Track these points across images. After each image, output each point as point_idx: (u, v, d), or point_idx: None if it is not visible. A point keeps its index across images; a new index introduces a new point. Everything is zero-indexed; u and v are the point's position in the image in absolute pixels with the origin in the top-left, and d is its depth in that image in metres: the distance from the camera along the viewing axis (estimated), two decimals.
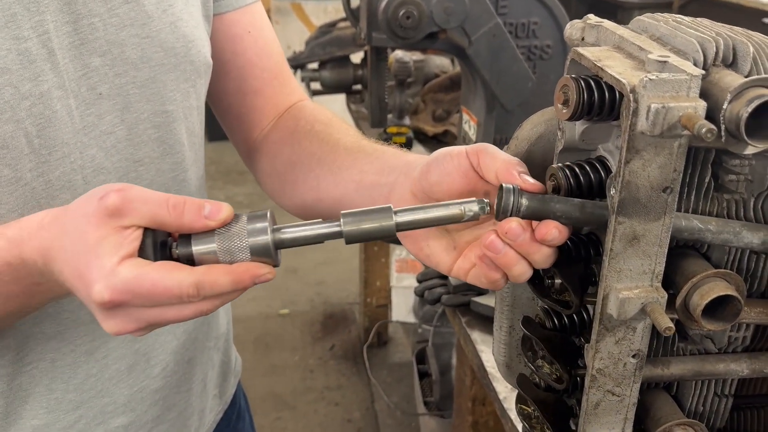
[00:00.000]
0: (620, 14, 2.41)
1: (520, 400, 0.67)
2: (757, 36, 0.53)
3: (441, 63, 2.44)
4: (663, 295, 0.52)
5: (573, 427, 0.61)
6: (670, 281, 0.55)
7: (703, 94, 0.47)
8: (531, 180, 0.56)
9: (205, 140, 0.92)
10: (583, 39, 0.59)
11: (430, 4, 1.36)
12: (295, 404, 2.85)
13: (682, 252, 0.56)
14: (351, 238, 0.58)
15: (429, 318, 2.29)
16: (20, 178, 0.67)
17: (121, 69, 0.72)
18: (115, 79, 0.72)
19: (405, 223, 0.57)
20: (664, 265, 0.52)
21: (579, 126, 0.58)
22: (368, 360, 2.83)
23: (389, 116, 2.16)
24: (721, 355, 0.60)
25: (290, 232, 0.58)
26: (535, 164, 0.65)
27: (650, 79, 0.45)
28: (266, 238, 0.57)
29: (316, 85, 2.43)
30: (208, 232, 0.57)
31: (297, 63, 2.36)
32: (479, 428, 1.50)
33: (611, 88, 0.50)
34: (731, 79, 0.47)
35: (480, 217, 0.58)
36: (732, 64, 0.50)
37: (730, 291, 0.51)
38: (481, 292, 1.37)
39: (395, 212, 0.57)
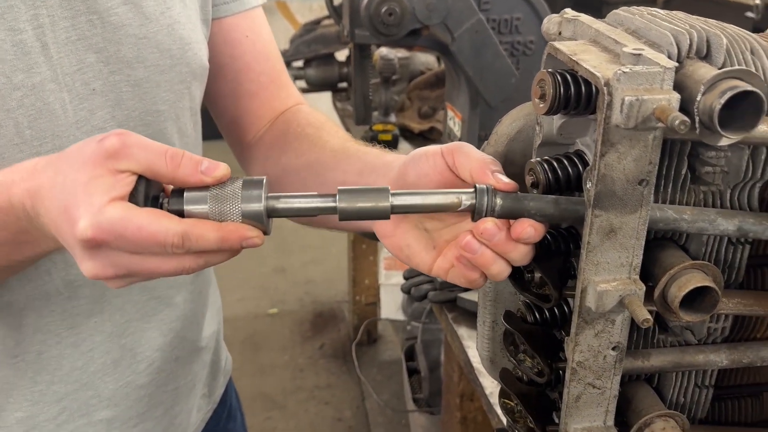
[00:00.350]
0: (605, 10, 2.42)
1: (503, 394, 0.67)
2: (731, 28, 0.54)
3: (426, 60, 2.44)
4: (641, 288, 0.52)
5: (556, 421, 0.61)
6: (649, 273, 0.55)
7: (678, 87, 0.47)
8: (505, 179, 0.56)
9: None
10: (560, 33, 0.60)
11: (412, 0, 1.36)
12: (285, 404, 2.85)
13: (660, 243, 0.56)
14: (345, 215, 0.57)
15: (418, 315, 2.29)
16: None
17: (116, 67, 0.74)
18: (109, 76, 0.73)
19: (401, 206, 0.57)
20: (641, 258, 0.52)
21: (557, 120, 0.58)
22: (358, 358, 2.83)
23: (375, 114, 2.16)
24: (701, 347, 0.60)
25: (284, 202, 0.57)
26: (516, 159, 0.65)
27: (624, 72, 0.45)
28: (259, 206, 0.56)
29: (301, 83, 2.43)
30: (202, 190, 0.56)
31: None
32: (468, 424, 1.50)
33: (587, 82, 0.50)
34: (705, 71, 0.47)
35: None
36: (706, 56, 0.51)
37: (708, 282, 0.52)
38: (467, 287, 1.37)
39: (392, 194, 0.56)
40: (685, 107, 0.47)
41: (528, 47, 1.51)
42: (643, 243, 0.52)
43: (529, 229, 0.54)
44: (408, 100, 2.30)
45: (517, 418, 0.65)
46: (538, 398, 0.63)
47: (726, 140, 0.46)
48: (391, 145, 2.12)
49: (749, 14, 2.22)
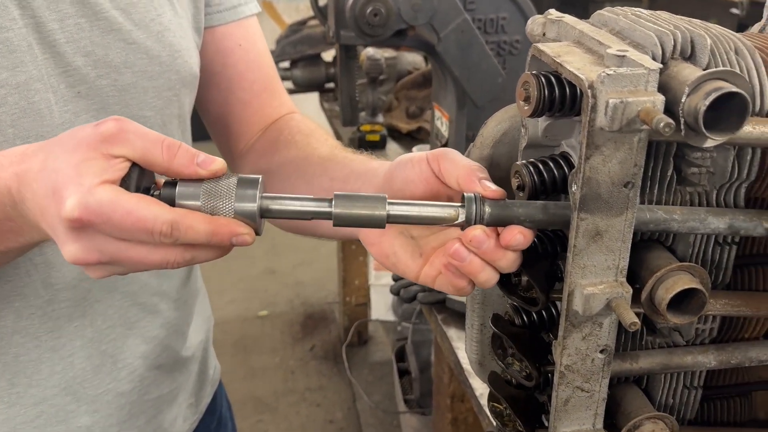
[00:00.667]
0: (592, 8, 2.42)
1: (492, 398, 0.66)
2: (715, 28, 0.53)
3: (413, 60, 2.44)
4: (628, 290, 0.52)
5: (545, 424, 0.61)
6: (636, 275, 0.55)
7: (662, 88, 0.47)
8: (493, 187, 0.56)
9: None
10: (544, 34, 0.59)
11: (397, 1, 1.35)
12: (276, 406, 2.84)
13: (647, 245, 0.56)
14: (339, 221, 0.55)
15: (408, 315, 2.29)
16: None
17: (103, 71, 0.74)
18: (96, 80, 0.73)
19: (397, 216, 0.56)
20: (628, 260, 0.52)
21: (542, 122, 0.57)
22: (349, 359, 2.83)
23: (362, 114, 2.15)
24: (689, 348, 0.60)
25: (279, 203, 0.55)
26: (501, 162, 0.65)
27: (608, 74, 0.45)
28: (253, 206, 0.54)
29: (288, 84, 2.42)
30: (195, 183, 0.54)
31: None
32: (459, 425, 1.50)
33: (572, 84, 0.50)
34: (689, 72, 0.47)
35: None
36: (690, 56, 0.50)
37: (695, 284, 0.51)
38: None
39: (389, 203, 0.56)
40: (669, 109, 0.47)
41: (514, 47, 1.50)
42: (630, 245, 0.51)
43: (519, 236, 0.54)
44: (395, 100, 2.30)
45: (506, 422, 0.65)
46: (526, 401, 0.62)
47: (711, 142, 0.46)
48: (379, 145, 2.11)
49: (734, 11, 2.23)
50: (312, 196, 0.56)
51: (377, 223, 0.56)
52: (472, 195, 0.55)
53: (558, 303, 0.59)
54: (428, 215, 0.56)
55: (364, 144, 2.10)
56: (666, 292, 0.51)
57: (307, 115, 0.97)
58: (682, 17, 0.55)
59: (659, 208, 0.53)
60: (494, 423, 0.67)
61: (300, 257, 3.75)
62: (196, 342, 0.97)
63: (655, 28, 0.50)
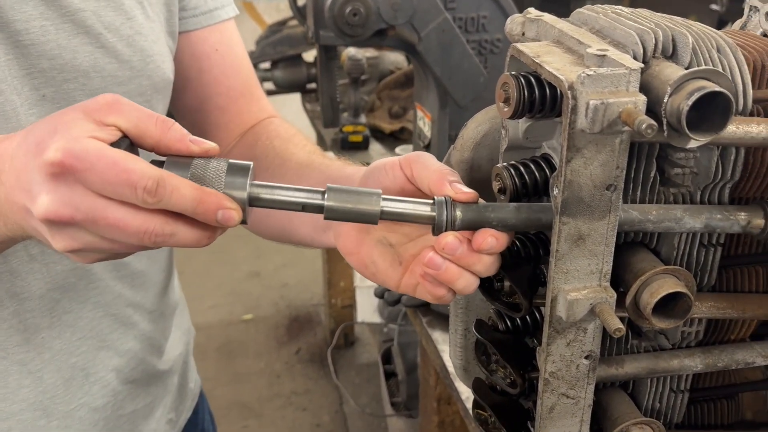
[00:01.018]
0: (574, 6, 2.42)
1: (476, 405, 0.65)
2: (697, 26, 0.52)
3: (395, 59, 2.42)
4: (612, 295, 0.50)
5: (531, 431, 0.60)
6: (620, 278, 0.54)
7: (644, 88, 0.46)
8: (464, 189, 0.54)
9: None
10: (523, 34, 0.58)
11: (377, 0, 1.33)
12: (262, 411, 2.81)
13: (631, 247, 0.55)
14: (331, 214, 0.53)
15: (394, 317, 2.27)
16: None
17: (70, 75, 0.72)
18: (63, 84, 0.71)
19: (390, 212, 0.54)
20: (611, 264, 0.51)
21: (522, 124, 0.56)
22: (336, 362, 2.80)
23: (345, 115, 2.13)
24: (675, 351, 0.59)
25: (269, 192, 0.53)
26: (483, 164, 0.63)
27: (588, 75, 0.43)
28: (243, 193, 0.52)
29: (269, 85, 2.39)
30: (183, 166, 0.52)
31: None
32: (446, 428, 1.49)
33: (552, 85, 0.49)
34: (671, 72, 0.46)
35: None
36: (672, 55, 0.49)
37: (680, 288, 0.50)
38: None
39: (384, 198, 0.54)
40: (651, 108, 0.45)
41: (495, 45, 1.49)
42: (613, 249, 0.50)
43: (490, 240, 0.53)
44: (378, 101, 2.28)
45: (491, 429, 0.64)
46: (511, 408, 0.61)
47: (695, 142, 0.45)
48: (362, 146, 2.10)
49: (714, 7, 2.24)
50: (304, 187, 0.54)
51: (370, 218, 0.54)
52: (443, 199, 0.54)
53: (542, 308, 0.58)
54: (422, 213, 0.54)
55: (346, 145, 2.08)
56: (651, 297, 0.50)
57: (289, 117, 0.95)
58: (663, 15, 0.54)
59: (634, 207, 0.52)
60: (480, 431, 0.65)
61: (285, 259, 3.72)
62: (174, 355, 0.95)
63: (636, 27, 0.49)
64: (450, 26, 1.41)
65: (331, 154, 0.86)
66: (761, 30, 0.60)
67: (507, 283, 0.58)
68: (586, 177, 0.47)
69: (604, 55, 0.45)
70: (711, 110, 0.44)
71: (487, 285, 0.59)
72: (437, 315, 1.34)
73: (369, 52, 2.34)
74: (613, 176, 0.47)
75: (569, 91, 0.44)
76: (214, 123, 0.91)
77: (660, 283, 0.50)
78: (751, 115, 0.51)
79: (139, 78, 0.77)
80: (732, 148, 0.52)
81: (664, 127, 0.45)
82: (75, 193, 0.49)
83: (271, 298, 3.53)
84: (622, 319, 0.51)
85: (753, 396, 0.67)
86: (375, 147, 2.14)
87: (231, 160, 0.53)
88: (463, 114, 1.48)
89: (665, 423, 0.63)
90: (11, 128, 0.68)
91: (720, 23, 2.16)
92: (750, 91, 0.50)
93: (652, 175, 0.53)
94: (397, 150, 2.03)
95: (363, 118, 2.14)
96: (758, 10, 0.61)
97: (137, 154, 0.53)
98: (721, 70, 0.47)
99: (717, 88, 0.43)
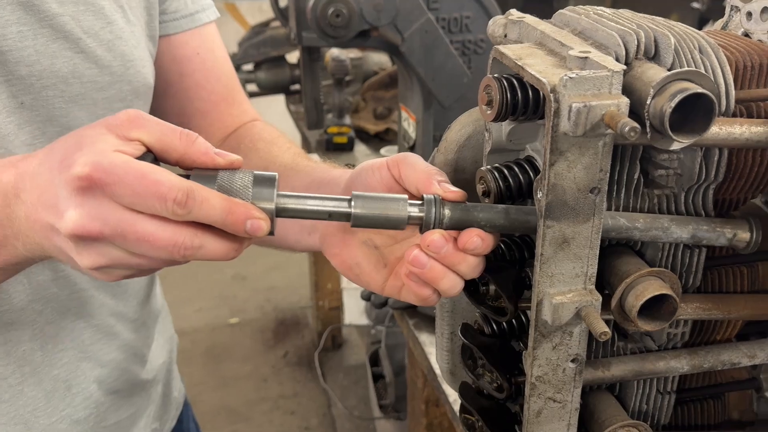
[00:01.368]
0: (557, 6, 2.43)
1: (463, 409, 0.65)
2: (679, 26, 0.52)
3: (380, 60, 2.42)
4: (597, 298, 0.50)
5: None
6: (605, 281, 0.53)
7: (627, 89, 0.45)
8: (452, 188, 0.54)
9: None
10: (505, 36, 0.57)
11: (359, 1, 1.33)
12: (250, 416, 2.79)
13: (616, 250, 0.55)
14: (358, 222, 0.53)
15: (381, 319, 2.26)
16: None
17: (49, 81, 0.70)
18: (41, 90, 0.70)
19: (418, 218, 0.54)
20: (596, 267, 0.50)
21: (505, 126, 0.56)
22: (324, 364, 2.79)
23: (329, 116, 2.13)
24: (661, 353, 0.59)
25: (295, 203, 0.53)
26: (467, 166, 0.63)
27: (570, 78, 0.43)
28: (270, 205, 0.52)
29: (252, 87, 2.37)
30: (209, 178, 0.51)
31: None
32: (434, 430, 1.48)
33: (535, 88, 0.48)
34: (654, 73, 0.45)
35: None
36: (654, 56, 0.49)
37: (665, 290, 0.50)
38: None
39: (410, 204, 0.54)
40: (634, 110, 0.45)
41: (479, 46, 1.49)
42: (598, 252, 0.50)
43: (476, 239, 0.52)
44: (362, 101, 2.27)
45: None
46: (499, 413, 0.61)
47: (678, 144, 0.45)
48: (347, 147, 2.09)
49: (695, 5, 2.26)
50: (330, 195, 0.54)
51: (398, 225, 0.54)
52: (431, 197, 0.54)
53: (528, 311, 0.57)
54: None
55: (331, 146, 2.07)
56: (636, 299, 0.50)
57: (273, 119, 0.94)
58: (645, 15, 0.54)
59: (622, 215, 0.52)
60: None
61: (271, 261, 3.70)
62: (157, 364, 0.93)
63: (618, 28, 0.49)
64: (433, 27, 1.41)
65: (315, 156, 0.85)
66: (742, 30, 0.60)
67: (492, 287, 0.57)
68: (570, 180, 0.46)
69: (586, 58, 0.45)
70: (694, 112, 0.44)
71: (472, 289, 0.58)
72: (424, 317, 1.34)
73: (353, 53, 2.33)
74: (597, 179, 0.47)
75: (552, 94, 0.44)
76: (196, 128, 0.90)
77: (645, 286, 0.50)
78: (734, 115, 0.51)
79: (119, 83, 0.76)
80: (715, 149, 0.52)
81: (648, 130, 0.45)
82: (103, 207, 0.48)
83: (258, 301, 3.51)
84: (607, 321, 0.51)
85: (739, 395, 0.67)
86: (360, 148, 2.13)
87: (256, 172, 0.53)
88: (447, 114, 1.48)
89: (652, 424, 0.63)
90: None
91: (701, 21, 2.17)
92: (732, 92, 0.50)
93: (636, 177, 0.52)
94: (383, 151, 2.03)
95: (348, 120, 2.13)
96: (739, 10, 0.61)
97: None
98: (703, 71, 0.47)
99: (700, 90, 0.43)
